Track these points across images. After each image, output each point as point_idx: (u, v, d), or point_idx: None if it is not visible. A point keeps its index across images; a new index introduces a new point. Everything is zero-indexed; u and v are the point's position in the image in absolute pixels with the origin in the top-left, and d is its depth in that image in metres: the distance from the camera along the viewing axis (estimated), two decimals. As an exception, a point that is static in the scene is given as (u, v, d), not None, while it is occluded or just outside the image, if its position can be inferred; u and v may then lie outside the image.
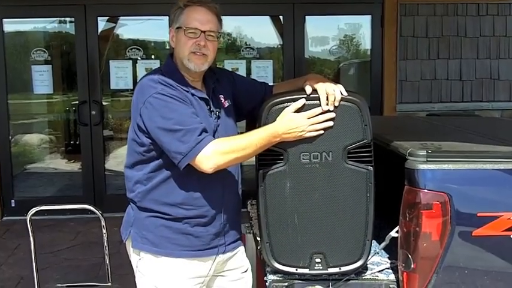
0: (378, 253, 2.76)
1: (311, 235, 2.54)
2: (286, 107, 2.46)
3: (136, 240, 2.63)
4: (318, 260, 2.56)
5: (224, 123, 2.65)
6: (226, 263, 2.76)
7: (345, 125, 2.47)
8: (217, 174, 2.48)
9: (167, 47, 7.54)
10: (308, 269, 2.58)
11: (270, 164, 2.51)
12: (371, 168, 2.50)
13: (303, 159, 2.48)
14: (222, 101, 2.70)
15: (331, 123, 2.44)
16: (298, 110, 2.44)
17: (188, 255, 2.59)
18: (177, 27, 2.58)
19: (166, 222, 2.57)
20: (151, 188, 2.56)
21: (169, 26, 2.66)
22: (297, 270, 2.59)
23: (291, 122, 2.42)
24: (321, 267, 2.57)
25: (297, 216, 2.53)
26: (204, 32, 2.54)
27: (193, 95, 2.56)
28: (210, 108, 2.61)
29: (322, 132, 2.44)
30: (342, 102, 2.46)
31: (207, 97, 2.62)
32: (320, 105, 2.44)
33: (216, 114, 2.63)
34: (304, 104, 2.46)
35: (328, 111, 2.43)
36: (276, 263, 2.60)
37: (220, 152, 2.41)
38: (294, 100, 2.47)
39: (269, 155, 2.51)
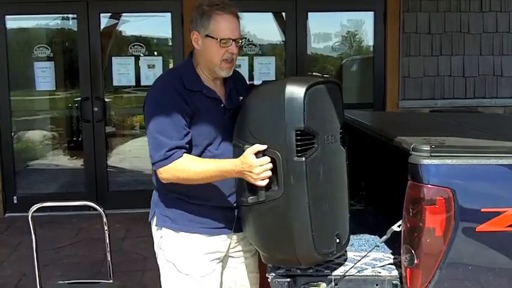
0: (378, 246, 2.76)
1: (333, 217, 2.58)
2: None
3: (159, 219, 2.80)
4: (337, 240, 2.59)
5: None
6: (240, 243, 2.86)
7: (338, 105, 2.58)
8: None
9: (170, 44, 7.54)
10: (335, 251, 2.60)
11: (307, 149, 2.41)
12: (345, 148, 2.66)
13: (327, 141, 2.52)
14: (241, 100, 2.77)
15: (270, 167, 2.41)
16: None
17: (205, 232, 2.73)
18: (206, 35, 2.62)
19: (184, 202, 2.71)
20: (168, 182, 2.66)
21: (192, 27, 2.67)
22: (331, 256, 2.61)
23: (246, 167, 2.42)
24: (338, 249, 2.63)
25: (326, 200, 2.52)
26: (235, 40, 2.63)
27: (206, 96, 2.65)
28: (223, 106, 2.70)
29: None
30: (330, 85, 2.56)
31: (219, 97, 2.71)
32: None
33: (231, 112, 2.70)
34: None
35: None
36: (317, 254, 2.49)
37: (176, 171, 2.56)
38: None
39: (305, 139, 2.41)
